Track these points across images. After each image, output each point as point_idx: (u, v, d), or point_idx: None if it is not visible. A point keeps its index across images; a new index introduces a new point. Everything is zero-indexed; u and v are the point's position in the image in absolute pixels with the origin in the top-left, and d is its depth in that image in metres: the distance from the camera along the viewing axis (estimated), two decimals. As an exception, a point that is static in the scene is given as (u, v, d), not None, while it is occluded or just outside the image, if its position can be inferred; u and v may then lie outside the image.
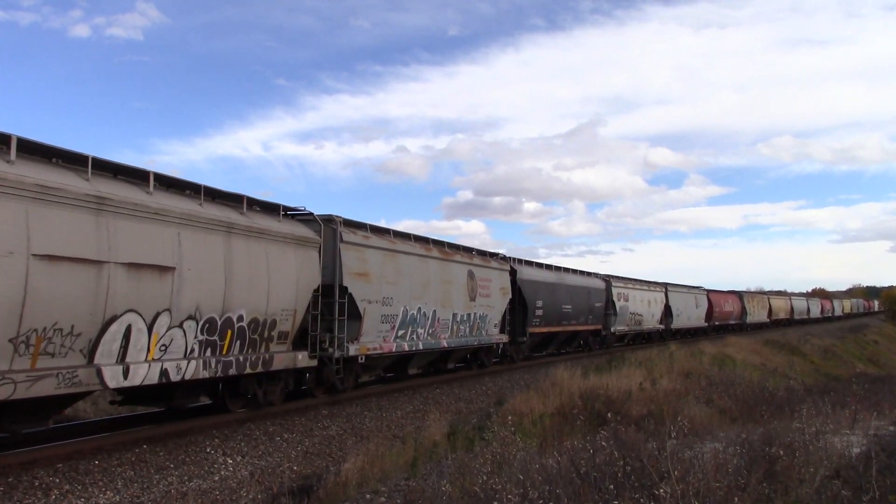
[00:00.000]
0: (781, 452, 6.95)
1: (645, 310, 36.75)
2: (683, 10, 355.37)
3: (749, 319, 57.17)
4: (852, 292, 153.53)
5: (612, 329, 32.50)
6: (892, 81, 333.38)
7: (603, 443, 7.35)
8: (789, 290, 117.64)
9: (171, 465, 9.58)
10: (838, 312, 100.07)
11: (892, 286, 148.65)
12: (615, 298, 32.59)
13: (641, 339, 38.68)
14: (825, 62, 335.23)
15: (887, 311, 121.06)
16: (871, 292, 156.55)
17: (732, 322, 54.41)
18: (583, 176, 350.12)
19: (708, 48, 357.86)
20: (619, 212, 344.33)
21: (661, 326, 39.81)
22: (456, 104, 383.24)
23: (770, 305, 64.94)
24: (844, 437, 8.83)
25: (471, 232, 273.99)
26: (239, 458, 10.34)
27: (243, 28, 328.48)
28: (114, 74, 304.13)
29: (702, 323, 47.47)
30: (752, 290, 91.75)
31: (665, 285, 41.15)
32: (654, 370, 20.78)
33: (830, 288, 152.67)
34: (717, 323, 50.19)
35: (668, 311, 40.68)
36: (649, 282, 39.07)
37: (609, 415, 10.08)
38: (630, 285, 35.42)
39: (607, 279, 32.64)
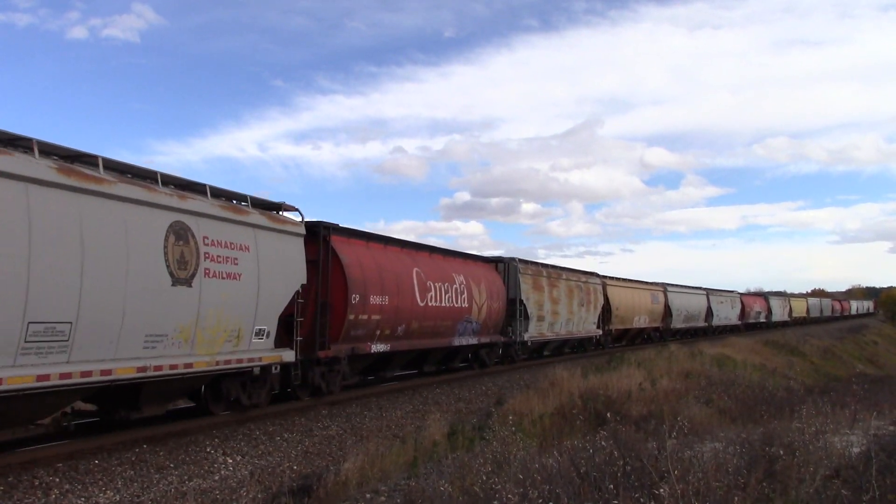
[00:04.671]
0: (781, 452, 6.95)
1: None
2: (677, 11, 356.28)
3: (531, 333, 24.29)
4: (852, 292, 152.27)
5: None
6: (887, 82, 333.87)
7: (603, 443, 7.34)
8: (789, 291, 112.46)
9: (171, 465, 9.58)
10: (778, 317, 64.96)
11: (891, 287, 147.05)
12: None
13: None
14: (819, 63, 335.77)
15: (886, 312, 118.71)
16: (869, 293, 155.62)
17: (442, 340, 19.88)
18: (580, 176, 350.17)
19: (702, 49, 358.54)
20: (617, 212, 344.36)
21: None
22: (451, 105, 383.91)
23: (610, 299, 32.19)
24: (844, 437, 8.83)
25: (470, 233, 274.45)
26: (239, 458, 10.34)
27: (238, 29, 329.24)
28: (111, 76, 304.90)
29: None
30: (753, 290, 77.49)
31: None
32: (653, 370, 20.78)
33: (830, 289, 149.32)
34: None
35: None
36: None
37: (609, 415, 10.06)
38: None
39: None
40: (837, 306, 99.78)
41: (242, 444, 11.03)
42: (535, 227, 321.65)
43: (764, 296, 66.65)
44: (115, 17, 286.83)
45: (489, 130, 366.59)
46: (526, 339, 23.89)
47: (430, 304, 17.76)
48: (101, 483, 8.59)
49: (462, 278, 19.66)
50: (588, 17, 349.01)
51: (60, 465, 8.98)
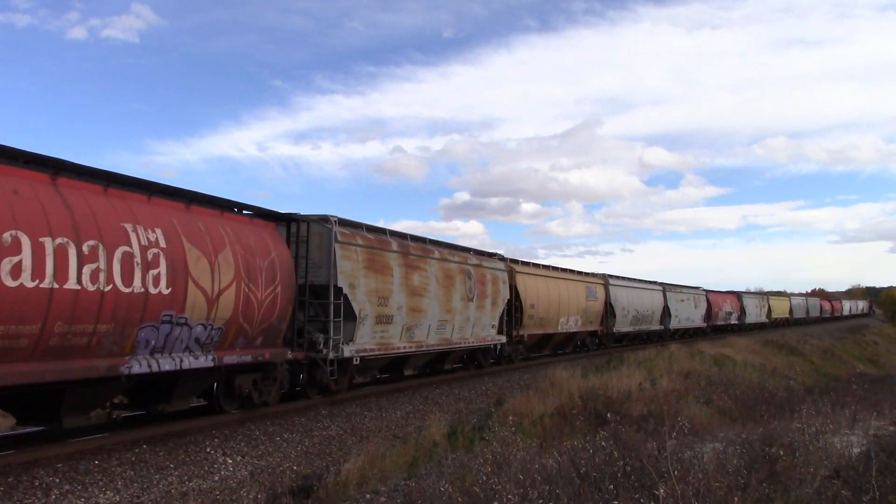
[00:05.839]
0: (781, 452, 6.95)
1: None
2: (676, 11, 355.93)
3: None
4: (851, 293, 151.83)
5: None
6: (886, 82, 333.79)
7: (603, 443, 7.35)
8: (789, 291, 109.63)
9: (171, 465, 9.58)
10: (754, 318, 58.18)
11: (892, 287, 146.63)
12: None
13: None
14: (818, 63, 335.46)
15: (886, 312, 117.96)
16: (869, 293, 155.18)
17: None
18: (580, 176, 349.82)
19: (701, 49, 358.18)
20: (617, 212, 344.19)
21: None
22: (450, 104, 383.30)
23: (521, 292, 22.70)
24: (844, 437, 8.83)
25: (469, 233, 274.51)
26: (239, 458, 10.34)
27: (237, 29, 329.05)
28: (110, 76, 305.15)
29: None
30: (752, 290, 72.45)
31: None
32: (653, 370, 20.78)
33: (830, 288, 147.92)
34: None
35: None
36: None
37: (609, 415, 10.07)
38: None
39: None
40: (827, 306, 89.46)
41: (242, 444, 11.03)
42: (534, 226, 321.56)
43: (736, 294, 58.73)
44: (114, 17, 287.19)
45: (488, 130, 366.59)
46: (349, 353, 14.52)
47: (11, 285, 7.78)
48: (101, 483, 8.59)
49: (158, 235, 9.86)
50: (587, 17, 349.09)
51: (60, 465, 8.97)
